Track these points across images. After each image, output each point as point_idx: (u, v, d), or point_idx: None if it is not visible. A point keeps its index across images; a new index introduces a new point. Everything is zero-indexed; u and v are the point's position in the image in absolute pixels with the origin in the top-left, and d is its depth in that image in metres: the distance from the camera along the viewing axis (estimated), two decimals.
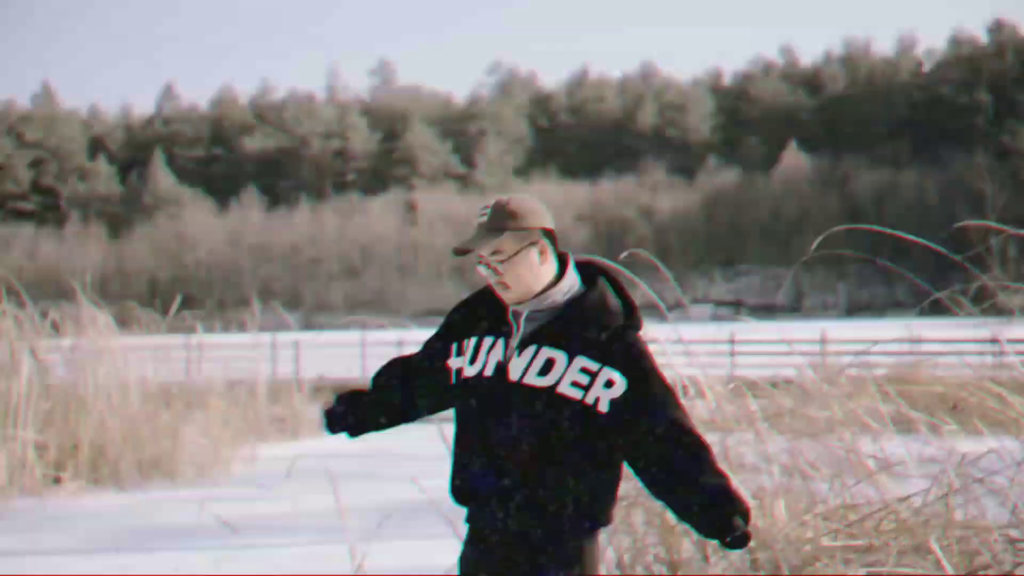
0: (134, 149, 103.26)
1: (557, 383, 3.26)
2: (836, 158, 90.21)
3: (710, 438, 6.20)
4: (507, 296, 3.34)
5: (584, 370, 3.26)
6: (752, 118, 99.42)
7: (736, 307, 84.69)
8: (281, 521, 9.77)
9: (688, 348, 6.68)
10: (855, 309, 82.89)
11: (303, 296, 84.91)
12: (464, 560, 3.41)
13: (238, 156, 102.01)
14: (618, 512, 6.12)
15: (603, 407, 3.26)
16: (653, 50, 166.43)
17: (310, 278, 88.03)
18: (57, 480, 12.14)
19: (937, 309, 6.99)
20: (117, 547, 8.95)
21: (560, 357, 3.27)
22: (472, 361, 3.39)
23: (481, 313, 3.45)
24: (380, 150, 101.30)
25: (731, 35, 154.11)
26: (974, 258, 6.29)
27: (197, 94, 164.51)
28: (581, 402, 3.26)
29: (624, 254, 6.68)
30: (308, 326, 60.73)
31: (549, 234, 3.37)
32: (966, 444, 6.11)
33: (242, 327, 19.25)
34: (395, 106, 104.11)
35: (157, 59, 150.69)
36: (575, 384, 3.26)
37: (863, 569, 5.22)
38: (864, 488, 5.82)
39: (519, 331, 3.35)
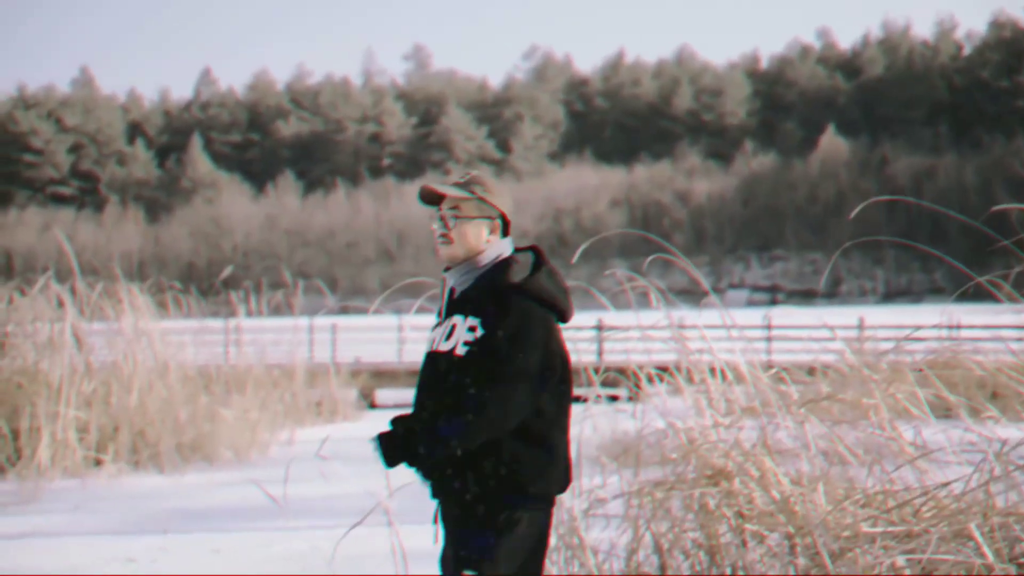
0: (172, 134, 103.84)
1: (455, 346, 3.57)
2: (874, 142, 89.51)
3: (749, 423, 6.21)
4: (444, 251, 3.66)
5: (470, 328, 3.56)
6: (789, 102, 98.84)
7: (772, 292, 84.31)
8: (319, 503, 9.84)
9: (729, 333, 6.66)
10: (893, 295, 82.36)
11: (338, 280, 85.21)
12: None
13: (274, 141, 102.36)
14: (656, 498, 6.12)
15: (462, 352, 3.56)
16: (689, 34, 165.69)
17: (345, 262, 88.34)
18: (98, 462, 12.26)
19: (976, 295, 6.94)
20: (157, 529, 9.03)
21: (459, 321, 3.59)
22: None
23: (441, 300, 3.77)
24: (415, 135, 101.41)
25: (768, 18, 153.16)
26: (1015, 243, 6.24)
27: (234, 79, 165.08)
28: (466, 356, 3.55)
29: (651, 257, 6.76)
30: (343, 309, 60.99)
31: (505, 221, 3.71)
32: (1007, 430, 6.07)
33: (280, 310, 19.34)
34: (430, 91, 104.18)
35: (195, 44, 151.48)
36: (465, 343, 3.56)
37: (902, 555, 5.20)
38: (904, 474, 5.80)
39: (447, 303, 3.69)
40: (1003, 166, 79.15)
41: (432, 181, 3.81)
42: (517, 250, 3.73)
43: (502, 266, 3.63)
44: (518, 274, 3.60)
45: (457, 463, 3.51)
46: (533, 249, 3.72)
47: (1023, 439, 5.65)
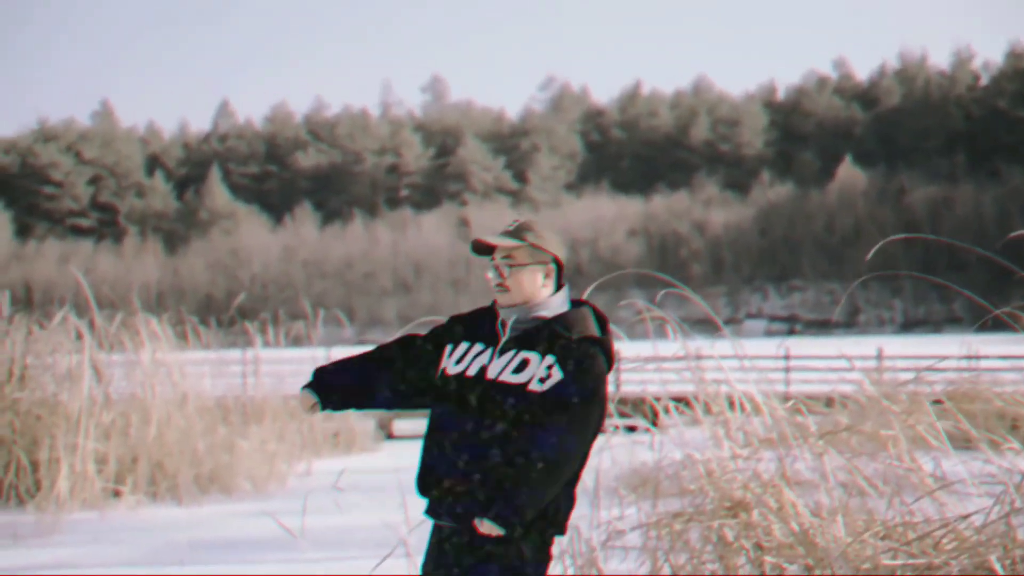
0: (190, 166, 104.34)
1: (528, 381, 3.56)
2: (891, 172, 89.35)
3: (767, 455, 6.19)
4: (501, 299, 3.70)
5: (548, 367, 3.56)
6: (806, 133, 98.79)
7: (790, 322, 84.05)
8: (336, 535, 9.82)
9: (742, 364, 6.65)
10: (911, 325, 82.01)
11: (356, 311, 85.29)
12: (427, 556, 3.66)
13: (292, 172, 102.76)
14: (674, 529, 6.10)
15: (537, 388, 3.55)
16: (706, 64, 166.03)
17: (363, 293, 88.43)
18: (116, 494, 12.27)
19: (995, 324, 6.92)
20: (175, 560, 9.03)
21: (534, 357, 3.59)
22: (458, 362, 3.70)
23: (477, 326, 3.78)
24: (433, 166, 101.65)
25: (784, 49, 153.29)
26: None
27: (253, 111, 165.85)
28: (540, 394, 3.56)
29: (663, 292, 6.77)
30: (361, 341, 61.03)
31: (558, 265, 3.74)
32: None
33: (299, 341, 19.36)
34: (447, 122, 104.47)
35: (214, 77, 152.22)
36: (540, 380, 3.57)
37: None
38: (923, 506, 5.77)
39: (504, 338, 3.68)
40: (1021, 195, 78.88)
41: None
42: (572, 302, 3.78)
43: (578, 316, 3.68)
44: (590, 327, 3.66)
45: (481, 490, 3.56)
46: (591, 307, 3.77)
47: None
